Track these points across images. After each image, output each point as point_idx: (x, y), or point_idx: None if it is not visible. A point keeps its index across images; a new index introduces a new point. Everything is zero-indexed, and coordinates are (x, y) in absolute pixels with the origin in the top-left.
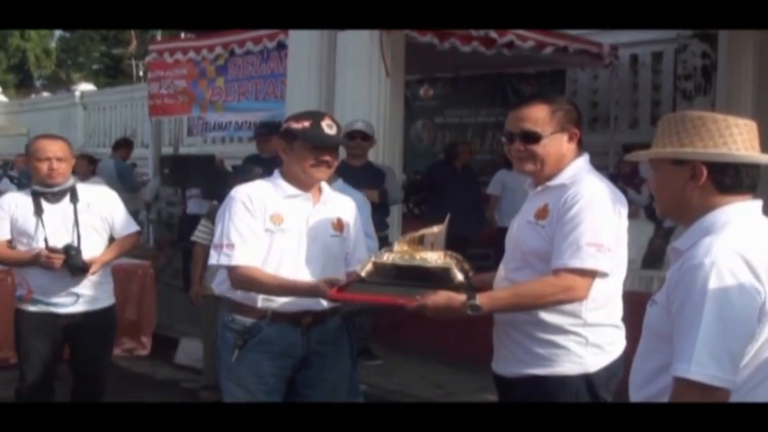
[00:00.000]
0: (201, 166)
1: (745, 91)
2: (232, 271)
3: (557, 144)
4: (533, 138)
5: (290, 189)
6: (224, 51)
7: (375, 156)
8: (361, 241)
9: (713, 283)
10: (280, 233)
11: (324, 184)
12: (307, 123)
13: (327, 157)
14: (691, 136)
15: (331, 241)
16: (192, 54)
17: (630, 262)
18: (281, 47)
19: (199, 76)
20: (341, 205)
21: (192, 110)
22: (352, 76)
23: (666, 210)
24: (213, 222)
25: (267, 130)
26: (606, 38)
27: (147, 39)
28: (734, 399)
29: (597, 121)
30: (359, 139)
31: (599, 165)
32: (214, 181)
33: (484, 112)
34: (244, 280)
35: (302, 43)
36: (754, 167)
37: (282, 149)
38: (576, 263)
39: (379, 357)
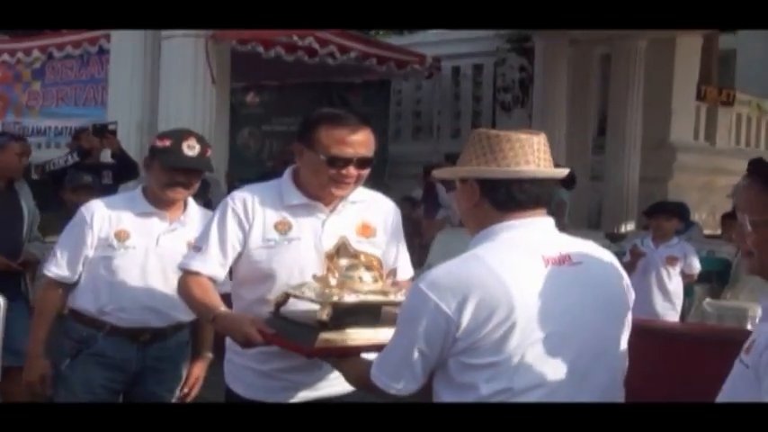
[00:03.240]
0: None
1: (560, 103)
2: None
3: None
4: (369, 164)
5: (146, 206)
6: (41, 55)
7: None
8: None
9: (410, 302)
10: (123, 249)
11: (191, 202)
12: (168, 142)
13: (182, 179)
14: (470, 154)
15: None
16: (6, 57)
17: None
18: (102, 52)
19: (13, 80)
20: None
21: (6, 115)
22: (176, 84)
23: (467, 227)
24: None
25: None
26: (429, 50)
27: None
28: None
29: (421, 131)
30: None
31: None
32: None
33: None
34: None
35: (125, 49)
36: (530, 183)
37: (146, 165)
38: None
39: None
